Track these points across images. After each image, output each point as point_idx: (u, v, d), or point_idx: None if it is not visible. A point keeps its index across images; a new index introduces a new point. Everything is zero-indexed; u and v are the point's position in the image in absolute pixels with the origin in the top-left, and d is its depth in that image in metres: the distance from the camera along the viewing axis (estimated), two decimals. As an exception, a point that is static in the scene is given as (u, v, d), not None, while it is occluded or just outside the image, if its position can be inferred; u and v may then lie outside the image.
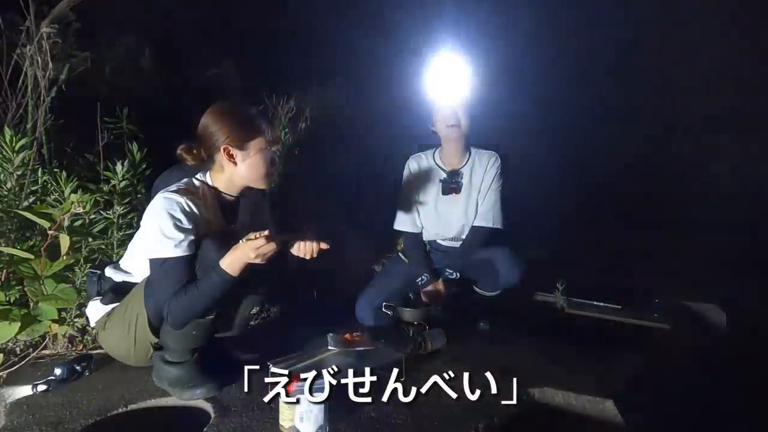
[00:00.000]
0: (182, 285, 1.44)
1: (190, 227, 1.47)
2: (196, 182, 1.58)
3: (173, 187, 1.52)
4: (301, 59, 3.73)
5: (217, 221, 1.57)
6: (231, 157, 1.53)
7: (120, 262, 1.68)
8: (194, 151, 1.56)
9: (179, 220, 1.45)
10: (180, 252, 1.44)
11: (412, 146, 2.44)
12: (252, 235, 1.40)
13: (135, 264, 1.61)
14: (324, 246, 1.58)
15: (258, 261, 1.41)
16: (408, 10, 4.22)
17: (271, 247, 1.40)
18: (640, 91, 5.16)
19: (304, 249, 1.58)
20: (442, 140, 2.32)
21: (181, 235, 1.44)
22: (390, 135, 3.40)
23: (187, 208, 1.47)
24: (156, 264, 1.47)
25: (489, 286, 2.31)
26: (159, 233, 1.44)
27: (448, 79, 2.26)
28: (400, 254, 2.51)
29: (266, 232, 1.40)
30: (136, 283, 1.59)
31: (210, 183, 1.60)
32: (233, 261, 1.42)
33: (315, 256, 1.59)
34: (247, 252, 1.40)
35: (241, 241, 1.41)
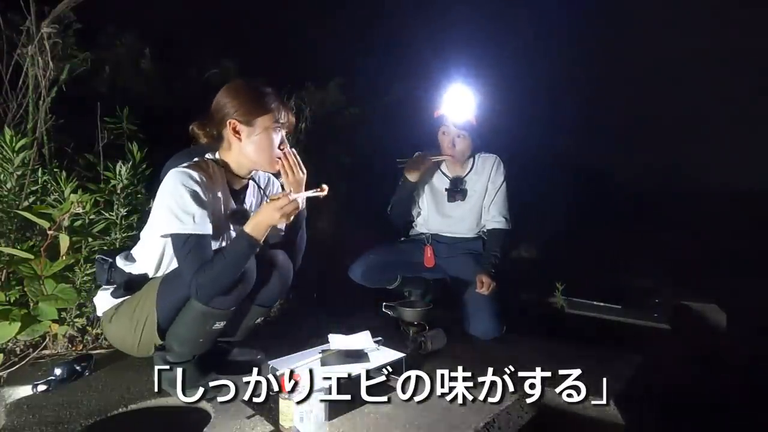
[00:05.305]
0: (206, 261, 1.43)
1: (206, 200, 1.46)
2: (206, 160, 1.57)
3: (184, 165, 1.50)
4: (302, 59, 3.73)
5: (226, 200, 1.57)
6: (237, 132, 1.52)
7: (132, 250, 1.64)
8: (206, 128, 1.57)
9: (196, 192, 1.44)
10: (200, 229, 1.43)
11: (415, 149, 2.43)
12: (275, 196, 1.47)
13: (146, 252, 1.58)
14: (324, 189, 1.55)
15: (282, 220, 1.46)
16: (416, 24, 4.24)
17: (294, 206, 1.45)
18: (640, 92, 5.17)
19: (287, 169, 1.60)
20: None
21: (200, 210, 1.43)
22: (391, 135, 3.40)
23: (200, 181, 1.46)
24: (179, 241, 1.43)
25: (478, 332, 2.20)
26: (177, 208, 1.42)
27: (451, 105, 2.28)
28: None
29: (287, 191, 1.49)
30: (147, 277, 1.57)
31: (220, 162, 1.59)
32: (257, 224, 1.45)
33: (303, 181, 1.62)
34: (271, 213, 1.44)
35: (264, 203, 1.48)
